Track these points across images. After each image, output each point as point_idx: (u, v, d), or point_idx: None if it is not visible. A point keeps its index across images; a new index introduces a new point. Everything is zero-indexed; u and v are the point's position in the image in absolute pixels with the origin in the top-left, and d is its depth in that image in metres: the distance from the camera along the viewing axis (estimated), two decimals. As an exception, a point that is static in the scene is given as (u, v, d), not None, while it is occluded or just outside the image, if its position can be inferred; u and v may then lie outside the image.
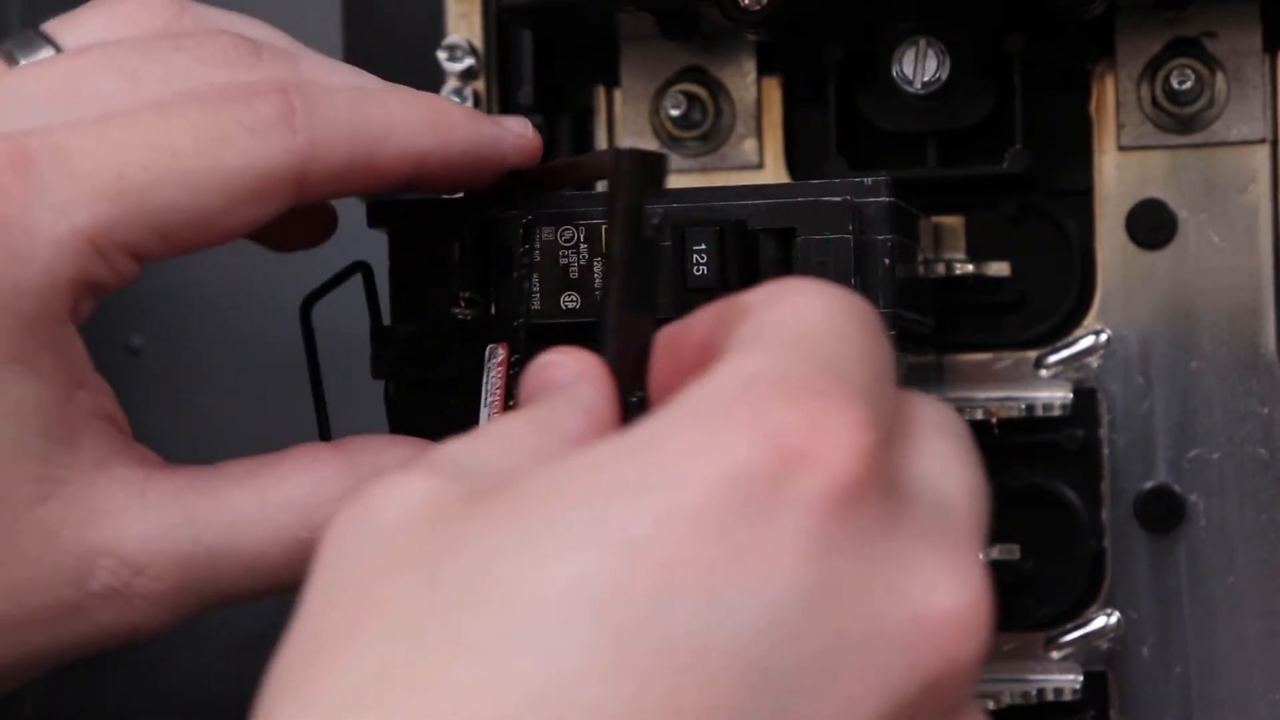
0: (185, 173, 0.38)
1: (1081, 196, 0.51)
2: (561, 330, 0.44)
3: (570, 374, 0.36)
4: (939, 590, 0.30)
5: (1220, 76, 0.50)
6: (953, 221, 0.51)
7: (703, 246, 0.42)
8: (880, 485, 0.30)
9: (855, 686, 0.29)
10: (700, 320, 0.35)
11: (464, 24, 0.53)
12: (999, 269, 0.51)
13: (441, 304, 0.46)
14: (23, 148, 0.37)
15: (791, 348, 0.31)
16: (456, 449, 0.33)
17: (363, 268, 0.46)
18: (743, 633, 0.28)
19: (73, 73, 0.39)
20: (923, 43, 0.50)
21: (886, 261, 0.43)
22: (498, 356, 0.43)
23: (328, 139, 0.39)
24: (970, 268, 0.50)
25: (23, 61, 0.41)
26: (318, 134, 0.39)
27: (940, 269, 0.50)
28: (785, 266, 0.43)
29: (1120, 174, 0.51)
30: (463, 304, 0.46)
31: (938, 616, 0.30)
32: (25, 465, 0.37)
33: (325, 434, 0.46)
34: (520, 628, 0.28)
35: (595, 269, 0.44)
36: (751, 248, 0.43)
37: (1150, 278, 0.50)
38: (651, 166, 0.39)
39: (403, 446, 0.42)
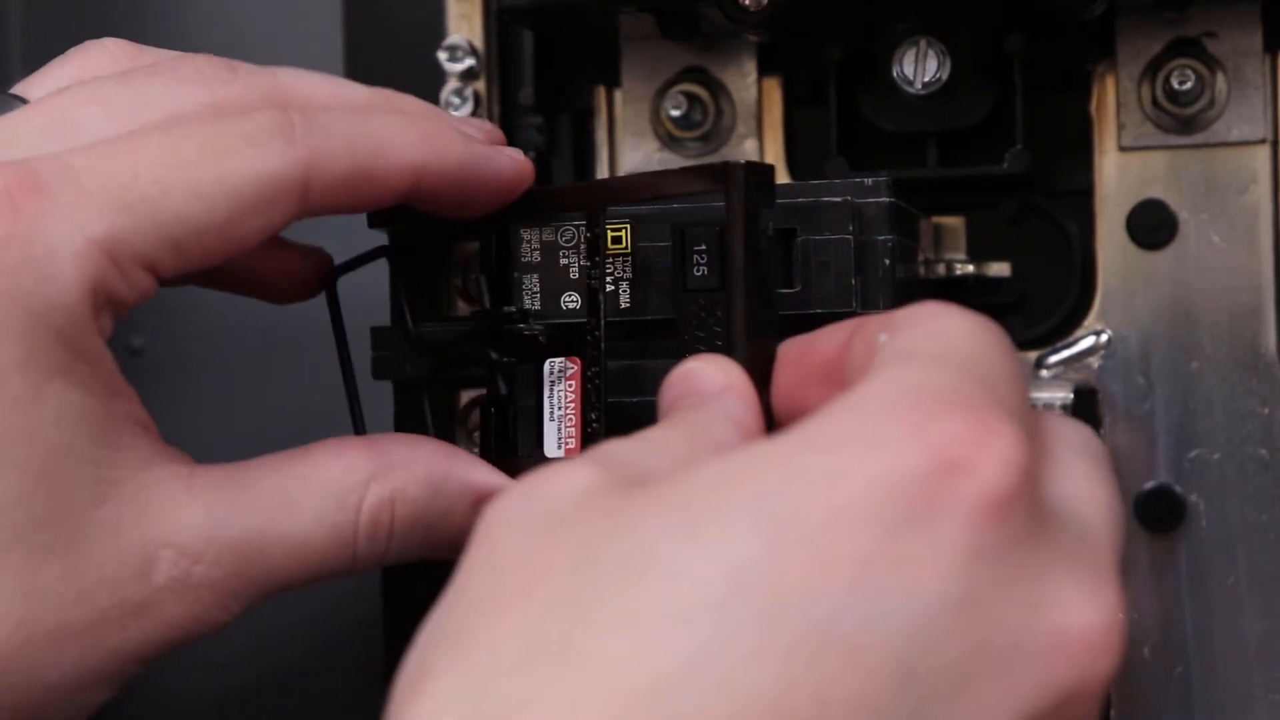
0: (193, 183, 0.39)
1: (1082, 197, 0.51)
2: (564, 330, 0.44)
3: (717, 385, 0.38)
4: (1077, 608, 0.31)
5: (1221, 77, 0.50)
6: (953, 222, 0.51)
7: (703, 247, 0.42)
8: (1029, 500, 0.31)
9: (991, 695, 0.30)
10: (830, 336, 0.37)
11: (464, 24, 0.53)
12: (999, 269, 0.51)
13: (443, 305, 0.46)
14: (32, 170, 0.38)
15: (946, 364, 0.33)
16: (618, 447, 0.34)
17: (388, 252, 0.47)
18: (895, 631, 0.29)
19: (57, 109, 0.40)
20: (923, 43, 0.50)
21: (887, 262, 0.43)
22: (568, 370, 0.44)
23: (327, 149, 0.40)
24: (971, 268, 0.50)
25: None
26: (317, 144, 0.40)
27: (941, 269, 0.50)
28: (786, 267, 0.43)
29: (1121, 174, 0.51)
30: (465, 305, 0.46)
31: (1075, 633, 0.31)
32: (81, 470, 0.38)
33: (354, 399, 0.46)
34: (678, 605, 0.29)
35: (593, 269, 0.44)
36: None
37: (1151, 278, 0.50)
38: (764, 178, 0.40)
39: (434, 443, 0.43)
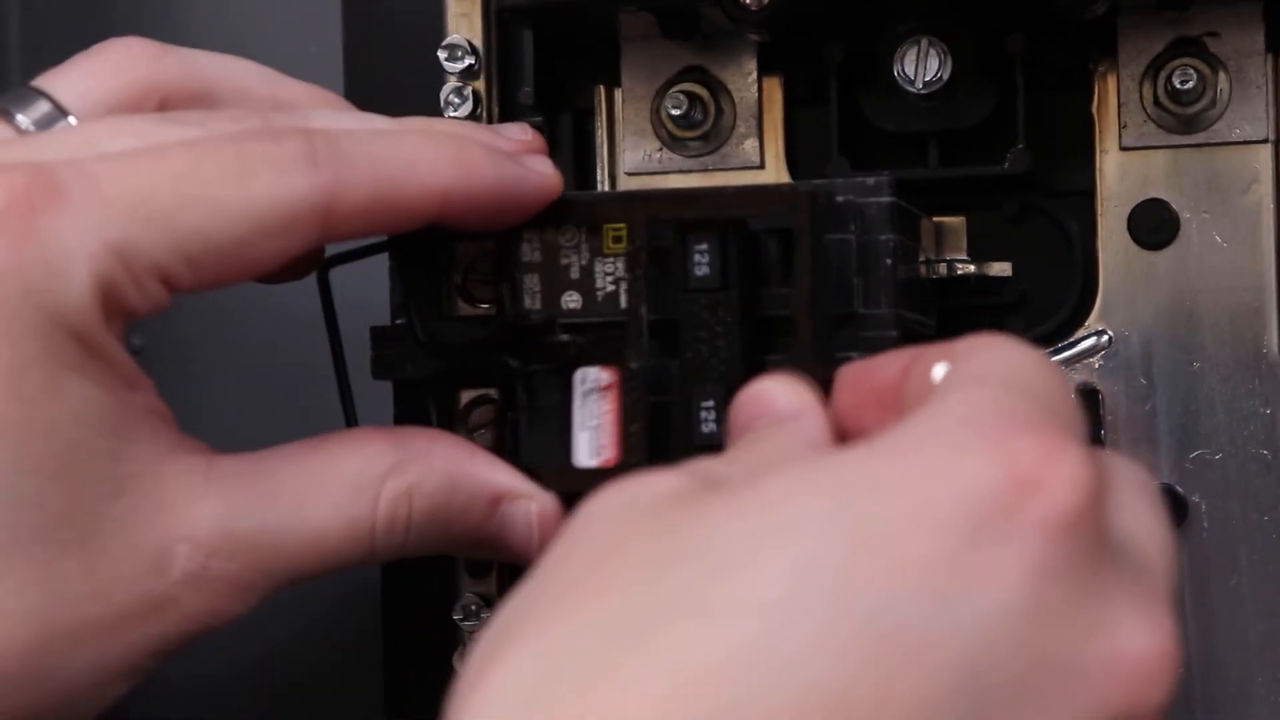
0: (213, 201, 0.39)
1: (1083, 196, 0.51)
2: (565, 330, 0.44)
3: (791, 407, 0.38)
4: (1135, 634, 0.32)
5: (1222, 76, 0.50)
6: (954, 222, 0.51)
7: (704, 247, 0.42)
8: (1095, 524, 0.32)
9: (1047, 711, 0.31)
10: (887, 363, 0.38)
11: (464, 24, 0.53)
12: (1001, 269, 0.51)
13: (443, 305, 0.46)
14: (52, 173, 0.38)
15: (1014, 389, 0.34)
16: (706, 463, 0.36)
17: (387, 247, 0.46)
18: (962, 637, 0.30)
19: (92, 136, 0.40)
20: (924, 43, 0.50)
21: (889, 262, 0.43)
22: (603, 380, 0.44)
23: (352, 175, 0.40)
24: (972, 268, 0.50)
25: (19, 116, 0.42)
26: (342, 170, 0.40)
27: (942, 269, 0.50)
28: (786, 267, 0.43)
29: (1122, 174, 0.51)
30: (465, 305, 0.46)
31: (1133, 658, 0.31)
32: (98, 465, 0.38)
33: (346, 395, 0.46)
34: (747, 595, 0.30)
35: (596, 269, 0.44)
36: (752, 248, 0.43)
37: (1152, 278, 0.50)
38: (830, 203, 0.41)
39: (454, 439, 0.44)
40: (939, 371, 0.36)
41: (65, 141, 0.41)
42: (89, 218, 0.38)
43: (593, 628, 0.31)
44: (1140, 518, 0.34)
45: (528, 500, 0.43)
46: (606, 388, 0.43)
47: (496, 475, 0.43)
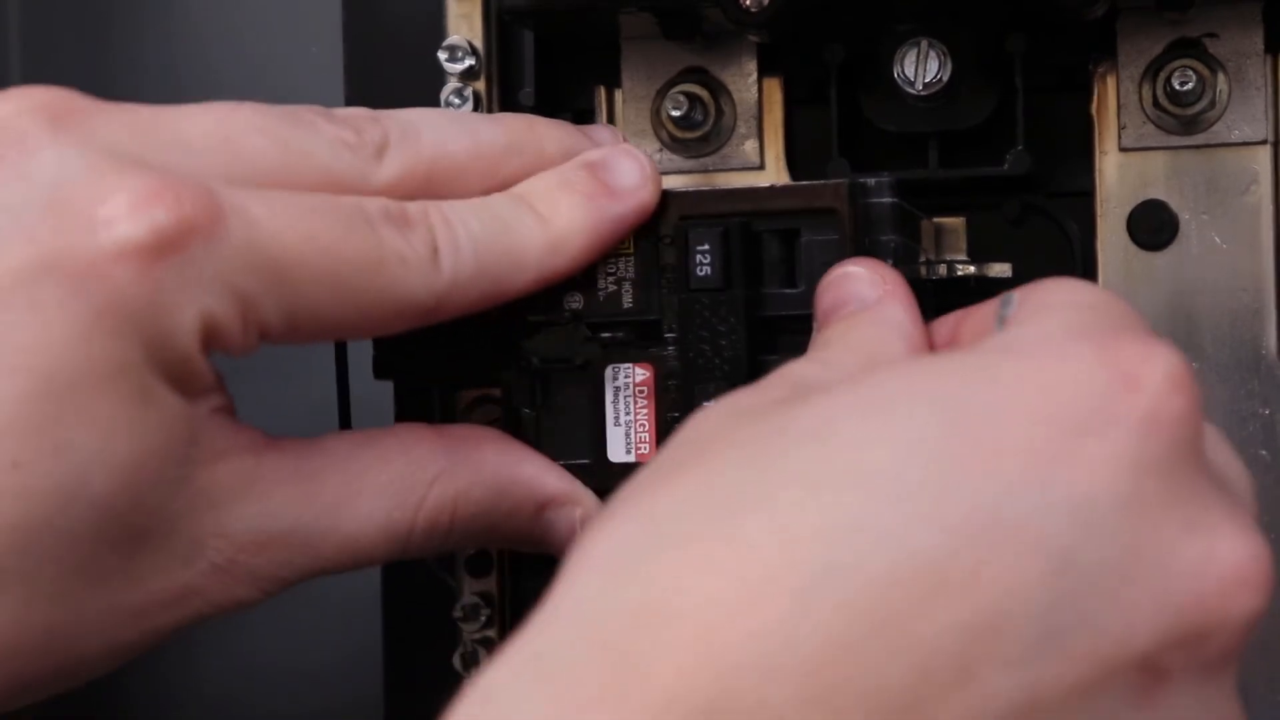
0: (341, 284, 0.40)
1: (1083, 197, 0.51)
2: (593, 328, 0.44)
3: (876, 290, 0.40)
4: (1231, 541, 0.33)
5: (1222, 77, 0.50)
6: (954, 222, 0.51)
7: (706, 247, 0.42)
8: (1193, 426, 0.33)
9: (1137, 603, 0.32)
10: (938, 326, 0.41)
11: (465, 25, 0.53)
12: (1000, 270, 0.51)
13: None
14: (218, 200, 0.38)
15: (1099, 309, 0.36)
16: (798, 368, 0.38)
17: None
18: (1057, 522, 0.31)
19: (231, 127, 0.41)
20: (924, 44, 0.50)
21: (890, 262, 0.43)
22: (639, 376, 0.44)
23: (466, 279, 0.41)
24: (972, 269, 0.50)
25: None
26: (460, 274, 0.41)
27: (942, 270, 0.50)
28: (788, 266, 0.43)
29: (1122, 175, 0.51)
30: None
31: (1226, 562, 0.32)
32: (167, 470, 0.39)
33: (344, 394, 0.46)
34: (851, 469, 0.32)
35: (598, 269, 0.44)
36: (755, 248, 0.43)
37: (1151, 279, 0.50)
38: (869, 199, 0.42)
39: (504, 441, 0.44)
40: (1006, 308, 0.38)
41: (206, 126, 0.40)
42: (231, 261, 0.38)
43: (698, 495, 0.32)
44: (1222, 451, 0.36)
45: (573, 506, 0.44)
46: (643, 383, 0.44)
47: (545, 479, 0.43)
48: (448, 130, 0.43)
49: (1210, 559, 0.32)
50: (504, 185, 0.43)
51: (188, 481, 0.39)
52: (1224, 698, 0.34)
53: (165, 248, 0.37)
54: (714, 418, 0.35)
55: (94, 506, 0.38)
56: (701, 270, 0.43)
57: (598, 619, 0.31)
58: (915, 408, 0.32)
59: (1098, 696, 0.32)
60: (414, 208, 0.41)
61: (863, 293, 0.40)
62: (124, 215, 0.37)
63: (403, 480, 0.42)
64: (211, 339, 0.39)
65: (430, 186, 0.42)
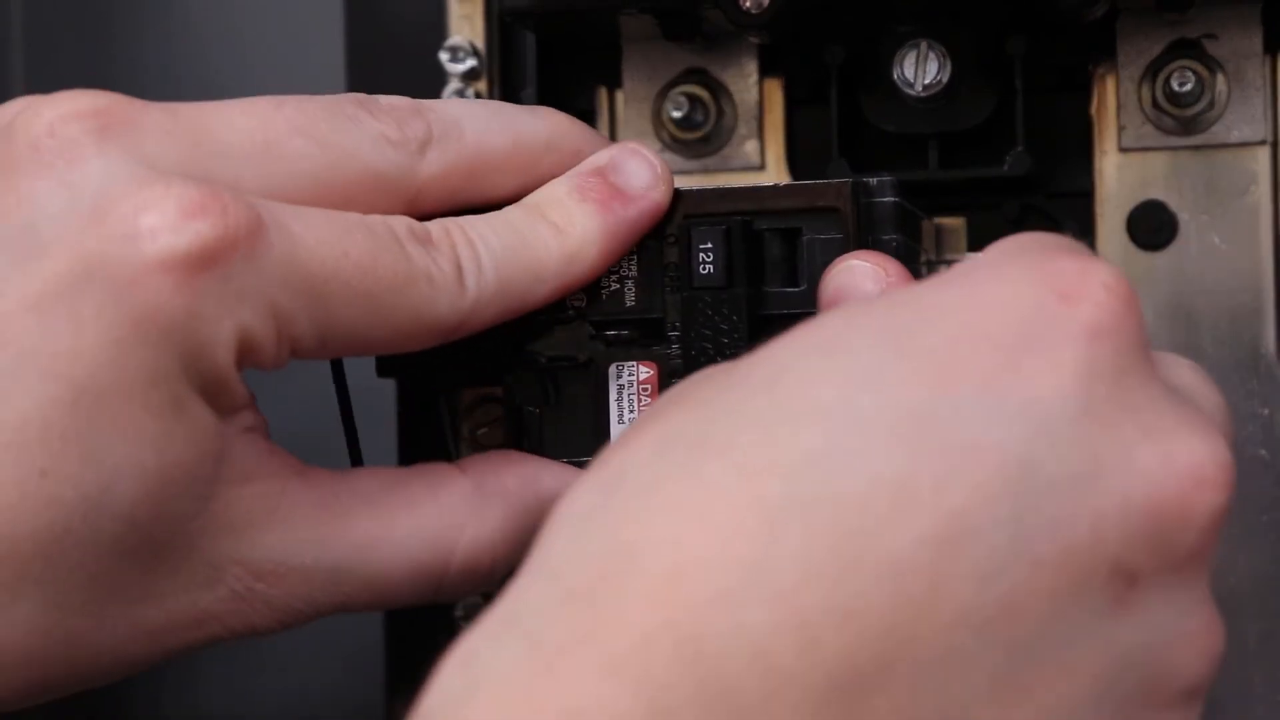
0: (373, 302, 0.40)
1: (1082, 198, 0.51)
2: (597, 326, 0.44)
3: (877, 282, 0.41)
4: (1188, 441, 0.34)
5: (1221, 78, 0.50)
6: (954, 223, 0.51)
7: (709, 245, 0.43)
8: (1137, 332, 0.34)
9: (1102, 504, 0.32)
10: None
11: (466, 25, 0.53)
12: (1000, 270, 0.51)
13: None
14: (259, 215, 0.38)
15: (1035, 237, 0.37)
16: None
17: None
18: (1015, 433, 0.32)
19: (274, 130, 0.41)
20: (924, 45, 0.50)
21: (892, 262, 0.43)
22: (643, 374, 0.44)
23: (488, 297, 0.41)
24: (972, 269, 0.50)
25: None
26: (483, 293, 0.41)
27: (943, 270, 0.50)
28: (790, 265, 0.43)
29: (1121, 175, 0.51)
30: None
31: (1184, 462, 0.33)
32: (193, 486, 0.39)
33: (343, 393, 0.46)
34: (804, 406, 0.33)
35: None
36: (757, 247, 0.43)
37: (1151, 279, 0.50)
38: (872, 198, 0.43)
39: (524, 464, 0.44)
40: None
41: (247, 126, 0.40)
42: (271, 275, 0.38)
43: (660, 446, 0.33)
44: (1185, 373, 0.37)
45: None
46: (646, 381, 0.44)
47: (564, 487, 0.43)
48: (490, 125, 0.43)
49: (1169, 459, 0.33)
50: (540, 181, 0.44)
51: (210, 501, 0.39)
52: (1195, 601, 0.34)
53: (207, 260, 0.37)
54: (683, 384, 0.36)
55: (118, 517, 0.38)
56: (704, 269, 0.43)
57: (566, 572, 0.32)
58: (861, 340, 0.33)
59: (1071, 603, 0.32)
60: (435, 227, 0.41)
61: (864, 285, 0.41)
62: (167, 226, 0.37)
63: (434, 527, 0.42)
64: (246, 354, 0.39)
65: (471, 182, 0.42)
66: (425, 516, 0.42)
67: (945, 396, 0.32)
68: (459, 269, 0.41)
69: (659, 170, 0.44)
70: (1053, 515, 0.32)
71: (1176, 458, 0.33)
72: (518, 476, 0.43)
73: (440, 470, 0.43)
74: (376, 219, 0.40)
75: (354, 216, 0.40)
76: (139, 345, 0.37)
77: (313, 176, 0.40)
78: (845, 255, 0.42)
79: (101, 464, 0.37)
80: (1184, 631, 0.34)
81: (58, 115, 0.39)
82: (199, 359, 0.38)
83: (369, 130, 0.41)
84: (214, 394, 0.39)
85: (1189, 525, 0.33)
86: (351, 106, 0.42)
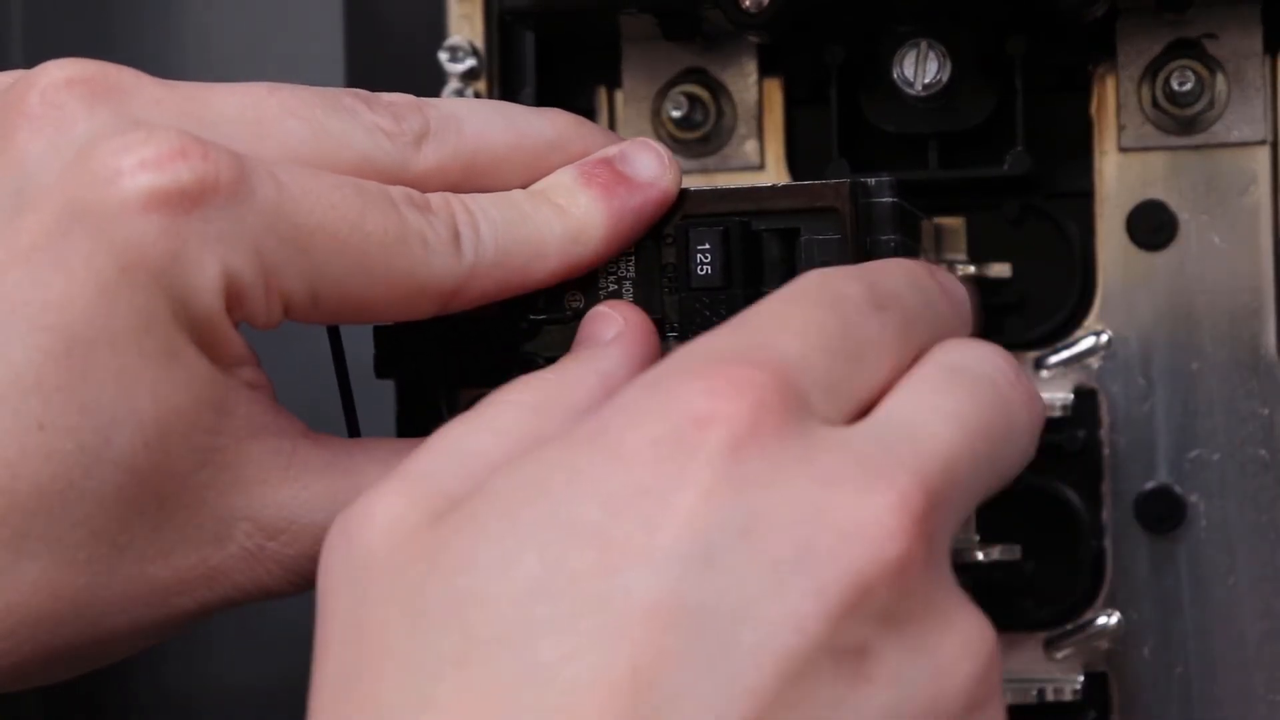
0: (363, 258, 0.40)
1: (1082, 198, 0.51)
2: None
3: (611, 331, 0.41)
4: (853, 506, 0.33)
5: (1221, 78, 0.50)
6: (954, 223, 0.51)
7: (706, 246, 0.43)
8: (787, 427, 0.33)
9: (795, 605, 0.32)
10: None
11: (466, 25, 0.53)
12: (1000, 270, 0.51)
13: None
14: (245, 165, 0.38)
15: (728, 328, 0.36)
16: (441, 449, 0.37)
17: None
18: (661, 581, 0.31)
19: (266, 109, 0.41)
20: (924, 45, 0.50)
21: (892, 263, 0.43)
22: None
23: (486, 265, 0.41)
24: (972, 269, 0.50)
25: None
26: (481, 259, 0.41)
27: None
28: (789, 266, 0.43)
29: (1121, 175, 0.51)
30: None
31: (852, 528, 0.32)
32: (192, 436, 0.39)
33: (347, 394, 0.46)
34: (494, 634, 0.32)
35: (600, 268, 0.44)
36: (755, 247, 0.43)
37: (1151, 279, 0.50)
38: (869, 199, 0.42)
39: None
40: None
41: (238, 105, 0.40)
42: (255, 222, 0.38)
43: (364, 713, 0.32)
44: (925, 396, 0.36)
45: None
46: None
47: None
48: (491, 121, 0.43)
49: (841, 533, 0.32)
50: None
51: (217, 453, 0.39)
52: (941, 625, 0.34)
53: (188, 200, 0.37)
54: (345, 585, 0.34)
55: (118, 467, 0.38)
56: (702, 269, 0.43)
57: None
58: (522, 543, 0.32)
59: (812, 705, 0.32)
60: (435, 197, 0.41)
61: (597, 333, 0.41)
62: (148, 166, 0.37)
63: None
64: (235, 301, 0.39)
65: (469, 178, 0.42)
66: None
67: (613, 575, 0.32)
68: (456, 234, 0.41)
69: (667, 161, 0.44)
70: (749, 642, 0.31)
71: (845, 528, 0.33)
72: None
73: None
74: (370, 182, 0.40)
75: (343, 176, 0.40)
76: (127, 289, 0.37)
77: (302, 158, 0.40)
78: (598, 305, 0.42)
79: (98, 414, 0.37)
80: (944, 656, 0.33)
81: (50, 82, 0.39)
82: (187, 303, 0.38)
83: (364, 120, 0.41)
84: (208, 342, 0.39)
85: (885, 583, 0.32)
86: (349, 99, 0.42)
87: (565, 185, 0.43)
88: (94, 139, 0.38)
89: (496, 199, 0.42)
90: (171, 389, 0.38)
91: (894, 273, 0.39)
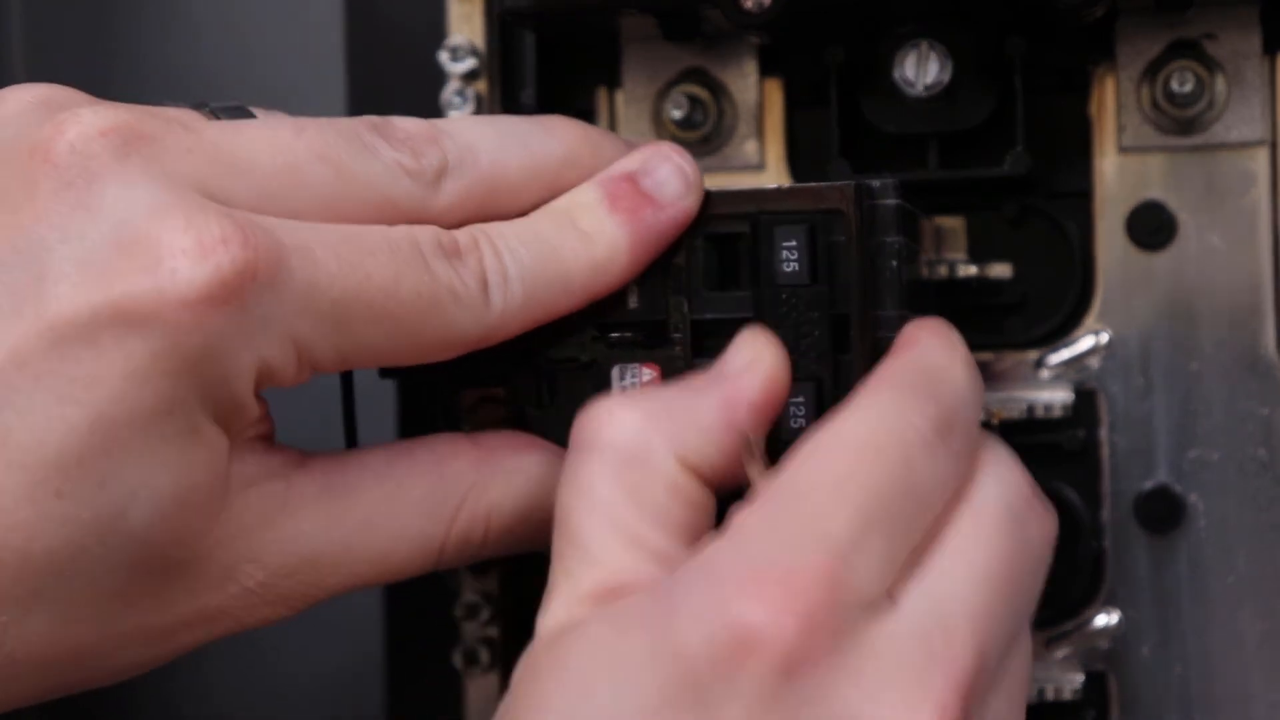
0: (397, 325, 0.40)
1: (1082, 198, 0.51)
2: (602, 329, 0.44)
3: (636, 445, 0.40)
4: (895, 713, 0.34)
5: (1220, 78, 0.50)
6: (954, 223, 0.51)
7: (793, 243, 0.43)
8: (836, 640, 0.34)
9: None
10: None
11: (466, 25, 0.53)
12: (1000, 270, 0.51)
13: None
14: (279, 241, 0.38)
15: (785, 509, 0.36)
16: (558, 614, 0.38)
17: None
18: None
19: (294, 155, 0.40)
20: (924, 45, 0.50)
21: (894, 264, 0.43)
22: (645, 376, 0.44)
23: (514, 311, 0.41)
24: (972, 269, 0.50)
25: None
26: (509, 307, 0.41)
27: (942, 271, 0.50)
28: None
29: (1120, 175, 0.51)
30: None
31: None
32: (209, 505, 0.39)
33: (348, 396, 0.46)
34: None
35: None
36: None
37: (1150, 279, 0.51)
38: (873, 202, 0.42)
39: (539, 450, 0.44)
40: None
41: (268, 151, 0.40)
42: (293, 304, 0.38)
43: None
44: (960, 584, 0.37)
45: None
46: (648, 383, 0.44)
47: None
48: (505, 149, 0.43)
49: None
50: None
51: (223, 511, 0.39)
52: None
53: (227, 294, 0.37)
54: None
55: (132, 538, 0.38)
56: (788, 266, 0.43)
57: None
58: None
59: None
60: (464, 236, 0.41)
61: (582, 440, 0.40)
62: (188, 261, 0.37)
63: (435, 495, 0.42)
64: (265, 380, 0.39)
65: (486, 208, 0.42)
66: (428, 481, 0.42)
67: None
68: (485, 284, 0.41)
69: (691, 178, 0.43)
70: None
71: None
72: (535, 466, 0.43)
73: (450, 439, 0.43)
74: (401, 231, 0.40)
75: (377, 232, 0.40)
76: (157, 377, 0.37)
77: (329, 203, 0.40)
78: (599, 399, 0.41)
79: (117, 489, 0.37)
80: None
81: (80, 134, 0.38)
82: (218, 390, 0.38)
83: (385, 158, 0.41)
84: (229, 419, 0.39)
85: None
86: (369, 134, 0.41)
87: (589, 206, 0.43)
88: (130, 220, 0.37)
89: (523, 233, 0.42)
90: (190, 469, 0.38)
91: (955, 369, 0.40)
